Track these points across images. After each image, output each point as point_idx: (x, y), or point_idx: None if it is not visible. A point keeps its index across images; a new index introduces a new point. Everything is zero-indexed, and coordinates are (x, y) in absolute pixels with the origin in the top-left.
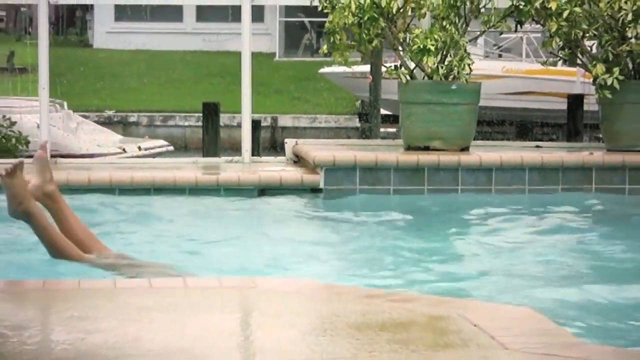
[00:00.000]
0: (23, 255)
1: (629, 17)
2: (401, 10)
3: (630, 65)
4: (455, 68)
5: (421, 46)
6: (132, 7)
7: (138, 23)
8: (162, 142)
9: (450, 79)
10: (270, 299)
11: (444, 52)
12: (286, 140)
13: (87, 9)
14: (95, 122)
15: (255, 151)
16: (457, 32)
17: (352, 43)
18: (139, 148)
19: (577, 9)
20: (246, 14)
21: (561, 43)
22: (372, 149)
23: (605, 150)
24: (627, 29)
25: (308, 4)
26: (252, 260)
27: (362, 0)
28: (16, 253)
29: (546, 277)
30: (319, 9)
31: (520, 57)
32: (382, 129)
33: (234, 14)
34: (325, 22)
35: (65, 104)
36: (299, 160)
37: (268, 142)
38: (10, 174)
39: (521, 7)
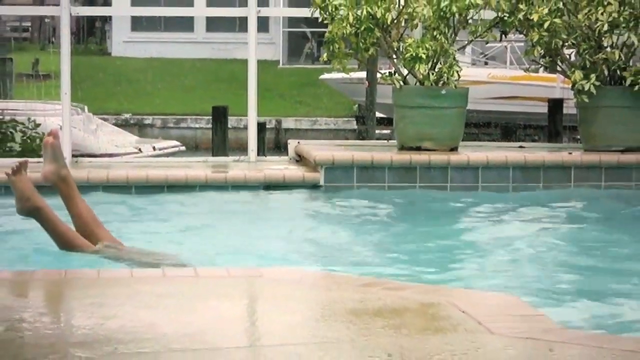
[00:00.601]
0: (34, 249)
1: (605, 27)
2: (395, 21)
3: (606, 72)
4: (445, 74)
5: (413, 54)
6: (147, 18)
7: (153, 33)
8: (174, 142)
9: (440, 85)
10: (274, 288)
11: (435, 60)
12: (289, 141)
13: (106, 19)
14: (113, 124)
15: (261, 151)
16: (446, 42)
17: (350, 51)
18: (154, 148)
19: (557, 20)
20: (252, 24)
21: (542, 51)
22: (368, 149)
23: (583, 150)
24: (603, 38)
25: (309, 15)
26: (258, 251)
27: (359, 12)
28: (26, 247)
29: (529, 267)
30: (320, 20)
31: (505, 64)
32: (377, 131)
33: (241, 24)
34: (325, 32)
35: (85, 107)
36: (300, 159)
37: (272, 143)
38: (15, 172)
39: (505, 18)
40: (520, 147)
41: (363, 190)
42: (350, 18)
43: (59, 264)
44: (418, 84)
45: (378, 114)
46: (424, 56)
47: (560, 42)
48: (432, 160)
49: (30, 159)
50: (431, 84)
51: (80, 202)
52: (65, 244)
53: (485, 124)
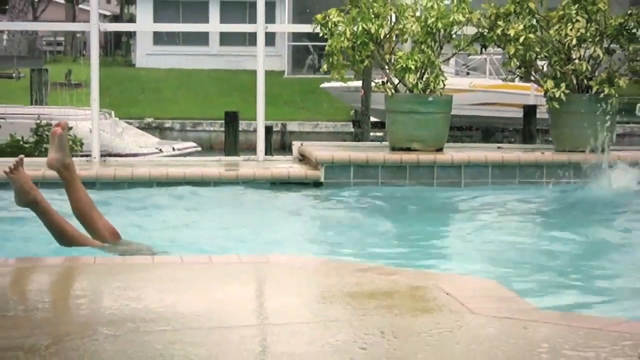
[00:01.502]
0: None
1: (574, 42)
2: (387, 36)
3: (575, 81)
4: (432, 83)
5: (404, 65)
6: (167, 33)
7: (172, 46)
8: (191, 143)
9: (427, 93)
10: (280, 273)
11: (422, 71)
12: (293, 142)
13: (131, 34)
14: (137, 127)
15: (268, 151)
16: (433, 54)
17: (347, 63)
18: (173, 149)
19: (531, 36)
20: (260, 39)
21: (518, 63)
22: (364, 150)
23: (554, 150)
24: (572, 51)
25: (311, 31)
26: (265, 239)
27: (355, 28)
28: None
29: (507, 254)
30: (320, 35)
31: (485, 74)
32: (371, 133)
33: (250, 39)
34: (325, 46)
35: (112, 112)
36: (303, 158)
37: (278, 144)
38: (13, 170)
39: (485, 33)
40: (498, 147)
41: (359, 186)
42: (348, 33)
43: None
44: (408, 91)
45: (372, 119)
46: (413, 67)
47: (534, 55)
48: (420, 159)
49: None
50: (419, 92)
51: (80, 188)
52: (61, 234)
53: (468, 128)
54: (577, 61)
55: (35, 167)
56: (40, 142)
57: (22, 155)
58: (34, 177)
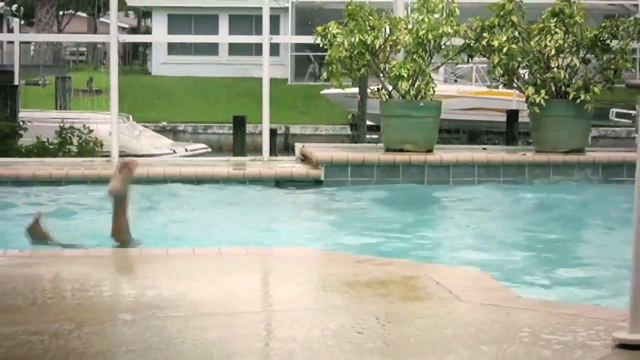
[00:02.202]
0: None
1: (552, 52)
2: (382, 47)
3: (553, 88)
4: (422, 90)
5: (397, 73)
6: (180, 44)
7: (185, 56)
8: (202, 145)
9: (418, 98)
10: (283, 263)
11: (414, 78)
12: (295, 144)
13: (147, 45)
14: (152, 130)
15: (272, 152)
16: (423, 63)
17: (345, 71)
18: (185, 150)
19: (514, 46)
20: (266, 49)
21: (502, 71)
22: (360, 151)
23: (534, 151)
24: (550, 60)
25: (313, 42)
26: (269, 233)
27: (352, 39)
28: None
29: (492, 246)
30: (321, 45)
31: (471, 81)
32: (367, 136)
33: (256, 49)
34: (325, 55)
35: (130, 116)
36: (305, 159)
37: (282, 146)
38: (33, 226)
39: (472, 44)
40: (484, 149)
41: (356, 184)
42: (346, 44)
43: None
44: (401, 97)
45: (368, 122)
46: (405, 75)
47: (516, 64)
48: (412, 159)
49: (83, 158)
50: (411, 98)
51: (123, 219)
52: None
53: (455, 130)
54: (555, 70)
55: (58, 166)
56: (64, 144)
57: (40, 214)
58: (57, 176)
